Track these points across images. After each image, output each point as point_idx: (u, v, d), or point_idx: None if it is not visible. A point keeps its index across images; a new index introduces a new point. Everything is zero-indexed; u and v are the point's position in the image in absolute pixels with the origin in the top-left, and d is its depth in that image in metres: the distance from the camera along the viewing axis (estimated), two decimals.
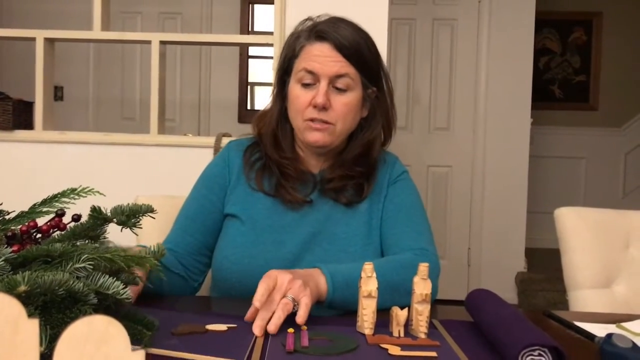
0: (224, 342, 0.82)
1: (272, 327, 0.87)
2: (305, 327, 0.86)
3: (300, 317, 0.89)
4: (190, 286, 1.22)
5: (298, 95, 1.18)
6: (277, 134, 1.24)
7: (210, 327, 0.88)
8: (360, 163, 1.24)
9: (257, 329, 0.87)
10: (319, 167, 1.26)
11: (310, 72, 1.17)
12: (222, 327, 0.88)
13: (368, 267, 0.88)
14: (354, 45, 1.17)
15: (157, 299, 1.06)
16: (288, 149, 1.24)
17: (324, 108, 1.16)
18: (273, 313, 0.89)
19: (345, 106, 1.18)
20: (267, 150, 1.24)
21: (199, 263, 1.23)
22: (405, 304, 0.91)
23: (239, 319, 0.92)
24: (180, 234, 1.22)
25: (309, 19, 1.24)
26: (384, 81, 1.26)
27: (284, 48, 1.26)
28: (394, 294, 1.02)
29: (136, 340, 0.73)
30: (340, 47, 1.17)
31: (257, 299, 0.89)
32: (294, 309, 0.91)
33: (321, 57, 1.17)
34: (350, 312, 0.98)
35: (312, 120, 1.17)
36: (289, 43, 1.24)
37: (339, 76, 1.17)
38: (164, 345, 0.78)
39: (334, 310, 1.03)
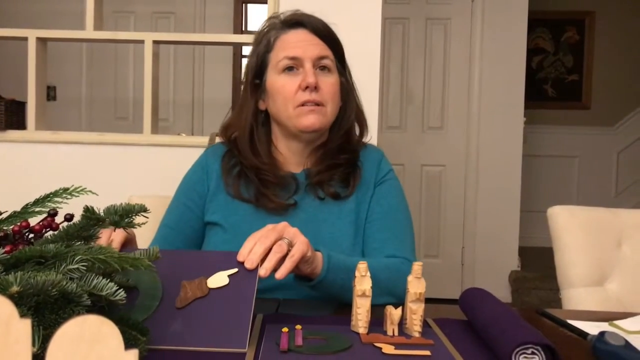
0: (226, 306, 0.83)
1: (263, 272, 0.87)
2: (299, 327, 0.86)
3: (280, 274, 0.89)
4: None
5: (284, 83, 1.18)
6: (254, 139, 1.22)
7: (211, 283, 0.87)
8: (343, 151, 1.24)
9: (249, 263, 0.88)
10: (302, 166, 1.25)
11: (292, 58, 1.17)
12: (224, 279, 0.88)
13: (362, 266, 0.88)
14: (328, 29, 1.21)
15: None
16: (265, 154, 1.22)
17: (315, 88, 1.16)
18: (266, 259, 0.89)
19: (332, 86, 1.19)
20: (244, 157, 1.21)
21: None
22: (384, 304, 0.91)
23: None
24: (161, 244, 1.20)
25: (273, 16, 1.25)
26: (347, 71, 1.28)
27: (253, 48, 1.25)
28: (376, 290, 1.01)
29: (131, 346, 0.73)
30: (317, 30, 1.19)
31: (242, 254, 0.89)
32: (287, 252, 0.91)
33: (301, 42, 1.18)
34: (342, 307, 0.98)
35: (304, 104, 1.16)
36: (259, 40, 1.23)
37: (322, 57, 1.18)
38: (166, 335, 0.79)
39: (316, 292, 1.03)
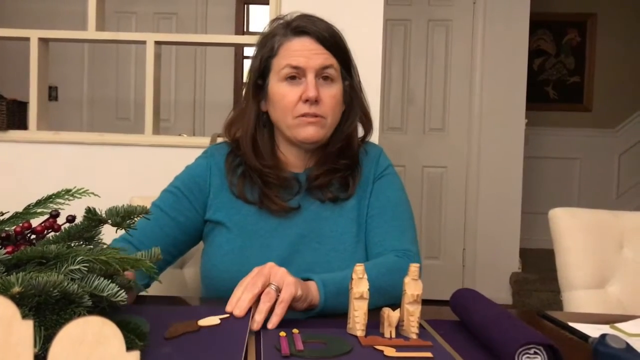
0: (218, 339, 0.81)
1: (255, 325, 0.87)
2: (296, 330, 0.86)
3: (272, 324, 0.88)
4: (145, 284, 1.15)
5: (285, 93, 1.16)
6: (256, 140, 1.22)
7: (202, 322, 0.86)
8: (343, 156, 1.23)
9: (237, 310, 0.88)
10: (304, 166, 1.24)
11: (295, 68, 1.15)
12: (215, 319, 0.87)
13: (359, 269, 0.88)
14: (333, 36, 1.19)
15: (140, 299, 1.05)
16: (268, 155, 1.21)
17: (315, 101, 1.15)
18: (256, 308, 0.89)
19: (333, 98, 1.18)
20: (247, 158, 1.20)
21: (162, 262, 1.15)
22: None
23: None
24: (152, 225, 1.16)
25: (278, 18, 1.23)
26: (354, 73, 1.26)
27: (257, 50, 1.23)
28: (380, 298, 1.01)
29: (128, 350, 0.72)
30: (322, 39, 1.17)
31: (230, 303, 0.90)
32: (277, 297, 0.91)
33: (305, 51, 1.16)
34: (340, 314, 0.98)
35: (304, 115, 1.15)
36: (264, 43, 1.21)
37: (325, 67, 1.16)
38: (158, 356, 0.75)
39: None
